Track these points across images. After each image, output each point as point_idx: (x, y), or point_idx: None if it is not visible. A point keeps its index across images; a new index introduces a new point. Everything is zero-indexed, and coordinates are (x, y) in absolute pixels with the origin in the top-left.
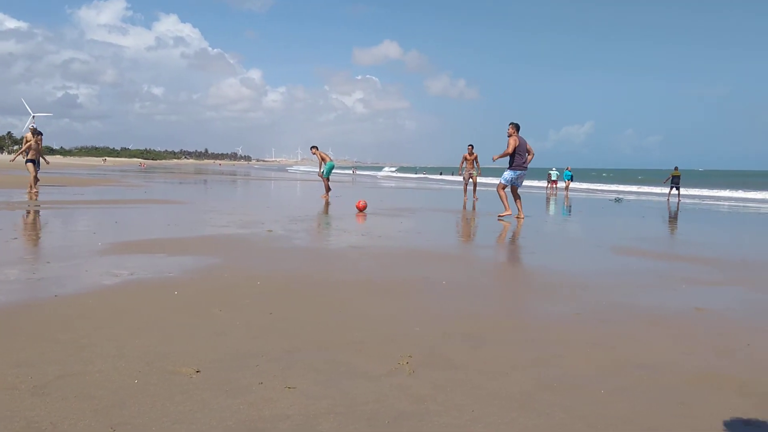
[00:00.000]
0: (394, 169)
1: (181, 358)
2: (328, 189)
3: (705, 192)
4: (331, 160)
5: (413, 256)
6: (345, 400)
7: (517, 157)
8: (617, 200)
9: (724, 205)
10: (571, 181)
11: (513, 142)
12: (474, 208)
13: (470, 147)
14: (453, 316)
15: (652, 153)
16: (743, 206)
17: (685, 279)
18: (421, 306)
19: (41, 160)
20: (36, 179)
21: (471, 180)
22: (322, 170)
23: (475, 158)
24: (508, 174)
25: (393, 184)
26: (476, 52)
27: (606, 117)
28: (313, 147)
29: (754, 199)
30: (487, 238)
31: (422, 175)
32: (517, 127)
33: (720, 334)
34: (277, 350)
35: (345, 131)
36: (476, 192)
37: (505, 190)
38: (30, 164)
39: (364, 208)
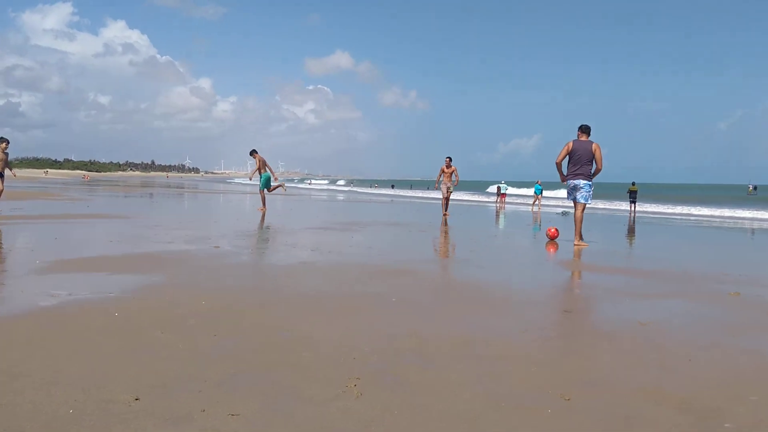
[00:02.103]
0: (326, 181)
1: (119, 385)
2: (264, 201)
3: (645, 207)
4: (267, 171)
5: (364, 272)
6: (290, 426)
7: (569, 165)
8: (564, 214)
9: (665, 218)
10: (541, 195)
11: (563, 150)
12: (445, 224)
13: (448, 159)
14: (403, 334)
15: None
16: (683, 219)
17: (629, 293)
18: (370, 324)
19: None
20: None
21: (447, 193)
22: (253, 174)
23: (453, 171)
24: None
25: (325, 197)
26: (427, 66)
27: (552, 130)
28: (254, 151)
29: (697, 214)
30: (437, 252)
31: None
32: (583, 130)
33: (663, 348)
34: (221, 374)
35: (297, 142)
36: (448, 207)
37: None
38: None
39: (556, 236)
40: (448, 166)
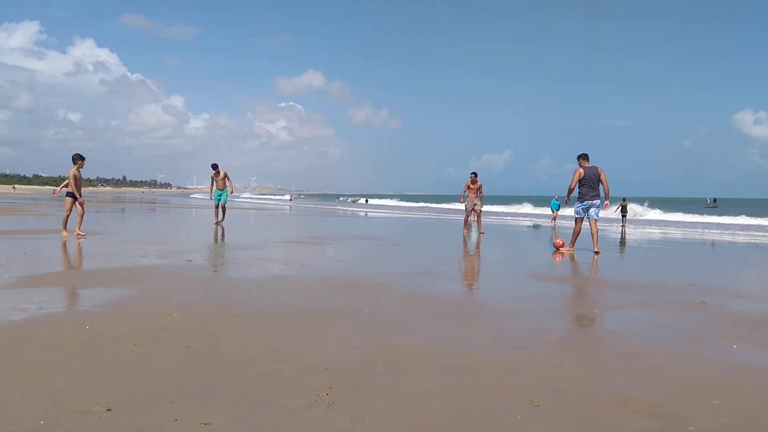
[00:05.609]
0: (263, 193)
1: (91, 397)
2: (217, 215)
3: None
4: (225, 187)
5: (336, 285)
6: None
7: (583, 188)
8: (536, 227)
9: (634, 230)
10: (558, 210)
11: (576, 176)
12: (478, 243)
13: (473, 175)
14: (373, 345)
15: (566, 180)
16: (650, 231)
17: (598, 303)
18: (341, 336)
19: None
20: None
21: (474, 211)
22: (212, 193)
23: (479, 187)
24: (576, 206)
25: (301, 211)
26: (398, 85)
27: (524, 146)
28: (218, 167)
29: (666, 227)
30: (410, 265)
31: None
32: (585, 157)
33: (630, 356)
34: (193, 385)
35: (269, 159)
36: (481, 225)
37: (583, 224)
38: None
39: (562, 245)
40: (474, 182)
